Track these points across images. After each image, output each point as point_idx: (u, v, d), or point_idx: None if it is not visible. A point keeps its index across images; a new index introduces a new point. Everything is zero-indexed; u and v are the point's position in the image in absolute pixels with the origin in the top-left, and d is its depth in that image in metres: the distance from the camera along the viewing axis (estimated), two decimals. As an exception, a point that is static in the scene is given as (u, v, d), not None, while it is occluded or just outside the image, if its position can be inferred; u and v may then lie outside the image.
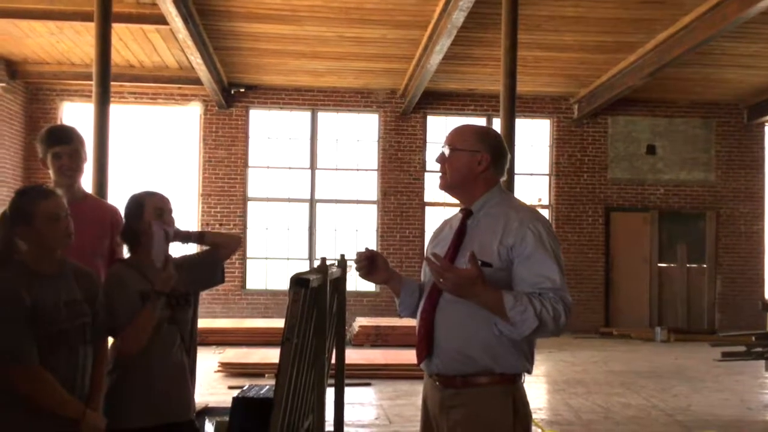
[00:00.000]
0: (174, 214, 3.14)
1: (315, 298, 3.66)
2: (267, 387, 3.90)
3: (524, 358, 2.53)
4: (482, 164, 2.61)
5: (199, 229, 3.29)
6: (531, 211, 2.64)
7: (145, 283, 2.94)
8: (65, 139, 3.47)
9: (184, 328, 3.06)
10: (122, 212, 3.15)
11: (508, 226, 2.52)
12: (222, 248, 3.27)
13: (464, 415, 2.50)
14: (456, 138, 2.66)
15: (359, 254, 2.76)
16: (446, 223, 2.84)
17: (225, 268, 3.38)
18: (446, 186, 2.68)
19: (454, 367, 2.52)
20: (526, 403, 2.57)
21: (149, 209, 3.02)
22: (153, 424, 2.89)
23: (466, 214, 2.67)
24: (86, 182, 6.72)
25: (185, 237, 3.22)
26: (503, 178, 2.74)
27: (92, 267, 2.95)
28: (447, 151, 2.64)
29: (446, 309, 2.53)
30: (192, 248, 3.42)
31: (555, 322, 2.40)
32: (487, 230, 2.57)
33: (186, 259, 3.23)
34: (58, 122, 12.69)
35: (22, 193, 2.70)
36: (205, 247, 3.33)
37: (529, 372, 2.57)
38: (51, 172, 3.44)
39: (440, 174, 2.68)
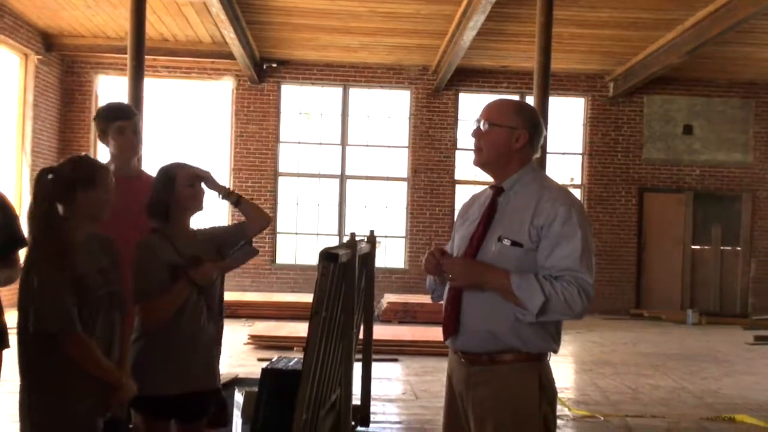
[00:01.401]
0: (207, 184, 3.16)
1: (343, 272, 3.70)
2: (295, 359, 3.94)
3: (551, 338, 2.51)
4: (520, 141, 2.56)
5: (239, 193, 3.30)
6: (564, 191, 2.59)
7: (175, 256, 2.96)
8: (128, 114, 3.54)
9: (211, 298, 3.08)
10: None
11: (540, 205, 2.48)
12: (252, 222, 3.28)
13: (490, 391, 2.49)
14: (494, 113, 2.60)
15: (432, 257, 2.58)
16: (474, 199, 2.78)
17: (255, 242, 3.40)
18: (481, 162, 2.63)
19: (480, 345, 2.51)
20: (551, 381, 2.56)
21: (181, 180, 3.04)
22: (178, 392, 2.93)
23: (497, 191, 2.61)
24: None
25: (227, 193, 3.25)
26: (536, 156, 2.68)
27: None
28: (484, 126, 2.58)
29: (473, 289, 2.51)
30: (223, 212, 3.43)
31: (567, 303, 2.37)
32: (518, 209, 2.52)
33: (215, 231, 3.25)
34: (93, 95, 12.85)
35: (80, 160, 2.72)
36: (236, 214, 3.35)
37: (555, 351, 2.55)
38: (111, 146, 3.50)
39: (475, 149, 2.63)
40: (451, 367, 2.67)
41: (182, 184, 3.03)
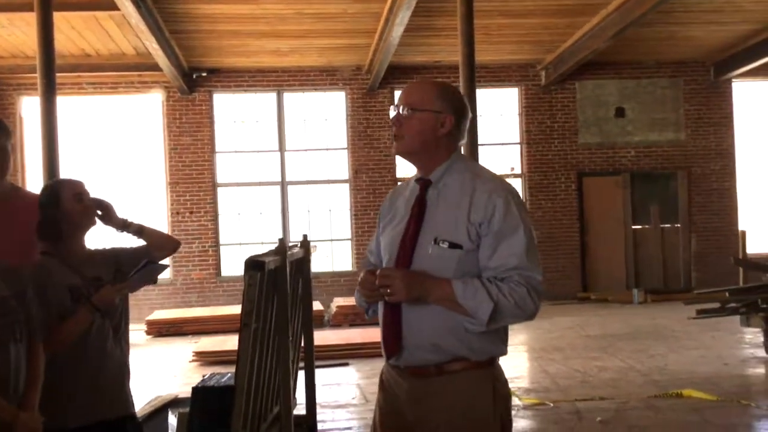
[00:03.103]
0: (92, 197, 2.98)
1: (274, 280, 3.58)
2: (229, 375, 3.79)
3: (500, 342, 2.34)
4: (446, 126, 2.36)
5: (139, 223, 3.08)
6: (498, 180, 2.38)
7: (73, 277, 2.81)
8: None
9: (115, 320, 2.92)
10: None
11: (475, 199, 2.28)
12: (156, 249, 3.10)
13: (442, 404, 2.29)
14: (415, 97, 2.38)
15: (367, 282, 2.34)
16: (397, 193, 2.54)
17: (168, 264, 3.22)
18: (403, 151, 2.41)
19: (425, 358, 2.31)
20: (505, 383, 2.40)
21: (67, 196, 2.88)
22: (91, 422, 2.77)
23: (425, 184, 2.39)
24: (37, 176, 6.55)
25: (123, 225, 3.06)
26: (463, 142, 2.48)
27: (29, 260, 2.81)
28: (404, 112, 2.36)
29: (413, 303, 2.29)
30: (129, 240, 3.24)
31: (517, 306, 2.20)
32: (451, 205, 2.31)
33: (118, 252, 3.07)
34: (18, 117, 12.41)
35: None
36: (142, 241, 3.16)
37: (504, 354, 2.38)
38: None
39: (395, 137, 2.40)
40: (392, 376, 2.44)
41: (68, 200, 2.86)
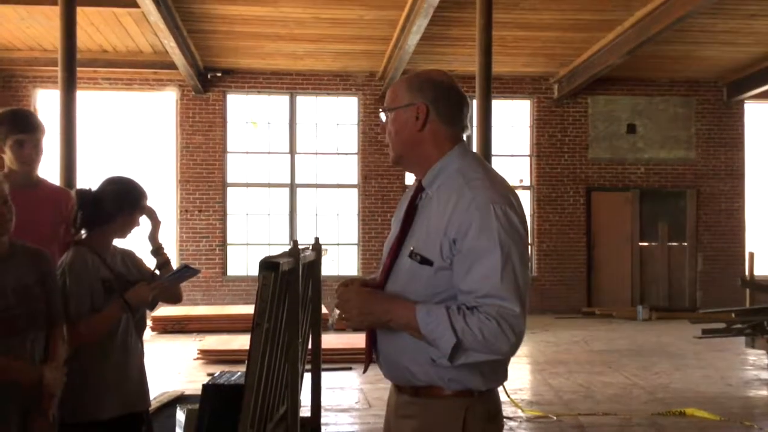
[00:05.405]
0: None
1: (286, 282, 3.61)
2: (239, 373, 3.82)
3: (478, 374, 2.02)
4: (420, 117, 2.06)
5: (173, 266, 3.15)
6: (489, 188, 2.00)
7: (105, 270, 2.86)
8: (30, 128, 3.34)
9: (137, 317, 2.97)
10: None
11: (456, 209, 1.97)
12: (165, 293, 3.11)
13: (414, 428, 2.09)
14: (388, 98, 2.14)
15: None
16: (405, 197, 2.26)
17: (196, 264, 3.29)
18: (393, 160, 2.16)
19: (401, 378, 2.13)
20: (487, 417, 2.09)
21: (143, 204, 3.00)
22: (113, 416, 2.81)
23: (419, 188, 2.14)
24: (54, 169, 6.61)
25: (157, 248, 3.11)
26: (466, 133, 2.16)
27: (49, 252, 2.85)
28: (384, 117, 2.14)
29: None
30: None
31: (486, 342, 1.88)
32: (435, 213, 2.02)
33: (133, 257, 3.12)
34: (32, 109, 12.49)
35: None
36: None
37: (482, 388, 2.05)
38: (7, 157, 3.32)
39: (389, 149, 2.18)
40: (390, 387, 2.28)
41: (141, 208, 2.97)
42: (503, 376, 2.13)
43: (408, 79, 2.16)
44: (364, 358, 2.24)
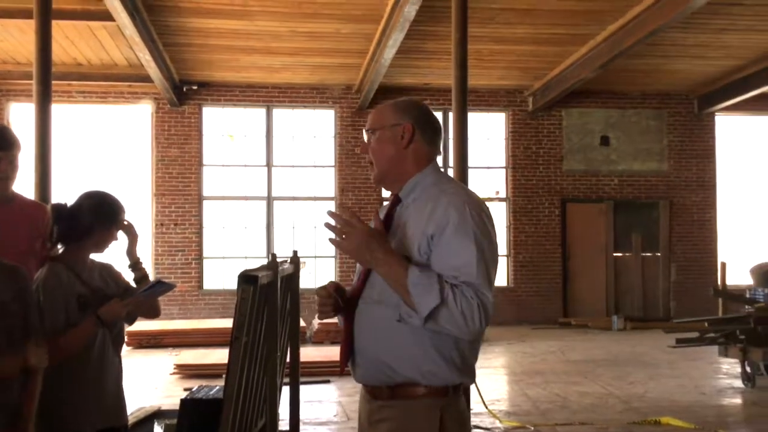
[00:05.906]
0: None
1: (265, 295, 3.61)
2: (217, 387, 3.81)
3: (455, 369, 2.16)
4: (405, 136, 2.26)
5: (152, 279, 3.13)
6: (463, 194, 2.23)
7: (80, 285, 2.85)
8: (6, 144, 3.29)
9: (114, 332, 2.96)
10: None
11: (433, 212, 2.16)
12: (140, 308, 3.09)
13: (391, 429, 2.18)
14: (374, 119, 2.32)
15: (322, 293, 2.30)
16: (381, 211, 2.41)
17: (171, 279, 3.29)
18: (377, 179, 2.33)
19: (377, 377, 2.21)
20: (460, 419, 2.23)
21: (121, 219, 2.99)
22: (98, 429, 2.80)
23: (395, 201, 2.32)
24: (29, 183, 6.55)
25: (135, 263, 3.09)
26: (439, 156, 2.39)
27: (26, 268, 2.83)
28: (368, 137, 2.32)
29: (364, 311, 2.23)
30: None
31: (463, 316, 2.03)
32: (412, 218, 2.21)
33: (111, 270, 3.10)
34: (5, 123, 12.36)
35: None
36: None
37: (458, 383, 2.20)
38: None
39: (370, 167, 2.35)
40: (361, 396, 2.36)
41: (119, 223, 2.97)
42: (474, 373, 2.26)
43: (394, 102, 2.37)
44: (340, 360, 2.31)
